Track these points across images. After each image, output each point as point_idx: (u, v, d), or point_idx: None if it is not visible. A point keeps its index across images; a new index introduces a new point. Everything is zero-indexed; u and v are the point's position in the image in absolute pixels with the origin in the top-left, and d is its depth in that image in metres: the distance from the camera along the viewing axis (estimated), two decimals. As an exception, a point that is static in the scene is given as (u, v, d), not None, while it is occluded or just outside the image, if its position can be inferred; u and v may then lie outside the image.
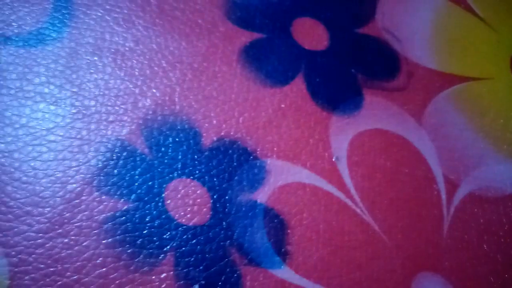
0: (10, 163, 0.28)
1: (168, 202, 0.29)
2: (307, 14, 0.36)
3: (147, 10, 0.34)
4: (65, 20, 0.33)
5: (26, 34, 0.32)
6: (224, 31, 0.34)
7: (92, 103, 0.31)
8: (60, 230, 0.27)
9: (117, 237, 0.28)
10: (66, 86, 0.31)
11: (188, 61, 0.33)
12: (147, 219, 0.28)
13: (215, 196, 0.30)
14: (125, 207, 0.28)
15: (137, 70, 0.32)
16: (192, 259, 0.28)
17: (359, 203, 0.31)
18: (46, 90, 0.31)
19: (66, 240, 0.27)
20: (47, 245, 0.27)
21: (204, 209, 0.29)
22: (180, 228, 0.29)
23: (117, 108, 0.31)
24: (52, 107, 0.30)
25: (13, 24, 0.32)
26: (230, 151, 0.31)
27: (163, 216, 0.29)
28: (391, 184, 0.32)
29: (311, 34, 0.36)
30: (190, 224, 0.29)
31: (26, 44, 0.32)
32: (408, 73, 0.36)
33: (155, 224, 0.28)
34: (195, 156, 0.30)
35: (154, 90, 0.32)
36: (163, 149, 0.30)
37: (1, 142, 0.29)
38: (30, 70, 0.31)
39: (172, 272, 0.27)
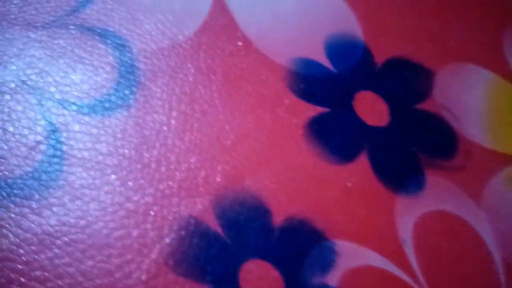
0: (82, 239, 0.27)
1: (243, 284, 0.28)
2: (367, 88, 0.36)
3: (212, 79, 0.34)
4: (132, 88, 0.32)
5: (92, 101, 0.31)
6: (289, 104, 0.34)
7: (163, 176, 0.30)
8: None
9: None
10: (135, 157, 0.30)
11: (256, 135, 0.32)
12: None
13: (288, 280, 0.29)
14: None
15: (206, 142, 0.31)
16: None
17: (425, 287, 0.31)
18: (116, 161, 0.30)
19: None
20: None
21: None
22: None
23: (188, 183, 0.30)
24: (122, 180, 0.29)
25: (79, 90, 0.31)
26: (300, 231, 0.31)
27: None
28: (455, 268, 0.32)
29: (372, 109, 0.36)
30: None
31: (93, 111, 0.31)
32: (466, 152, 0.36)
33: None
34: (267, 236, 0.30)
35: (223, 165, 0.31)
36: (235, 228, 0.30)
37: (71, 217, 0.28)
38: (97, 139, 0.30)
39: None
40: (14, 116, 0.30)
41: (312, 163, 0.33)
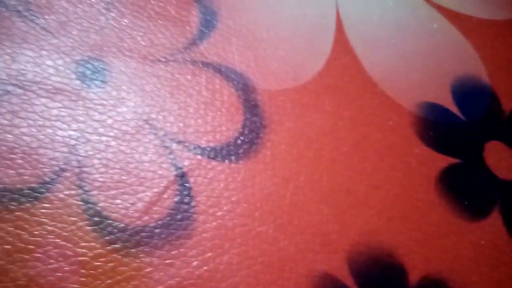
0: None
1: None
2: (496, 137, 0.34)
3: (340, 125, 0.32)
4: (258, 131, 0.30)
5: (218, 145, 0.30)
6: (419, 153, 0.32)
7: (296, 230, 0.28)
8: None
9: None
10: (266, 207, 0.28)
11: (387, 187, 0.30)
12: None
13: None
14: None
15: (337, 193, 0.30)
16: None
17: None
18: (246, 211, 0.28)
19: None
20: None
21: None
22: None
23: (322, 237, 0.28)
24: (254, 232, 0.27)
25: (203, 132, 0.30)
26: (437, 293, 0.28)
27: None
28: None
29: (503, 161, 0.34)
30: None
31: (219, 156, 0.29)
32: None
33: None
34: (403, 298, 0.28)
35: (356, 219, 0.29)
36: (370, 286, 0.27)
37: (205, 269, 0.26)
38: (226, 186, 0.29)
39: None
40: (137, 158, 0.29)
41: (445, 219, 0.31)
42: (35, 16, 0.31)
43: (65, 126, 0.29)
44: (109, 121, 0.29)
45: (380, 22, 0.36)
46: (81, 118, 0.29)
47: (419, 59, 0.36)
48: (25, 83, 0.29)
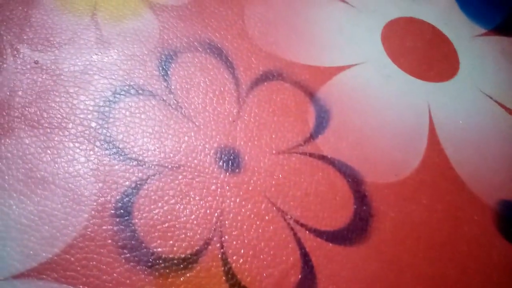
0: None
1: None
2: None
3: (434, 217, 0.38)
4: (367, 220, 0.36)
5: (331, 230, 0.36)
6: (500, 247, 0.38)
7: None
8: None
9: None
10: (374, 286, 0.34)
11: (473, 274, 0.36)
12: None
13: None
14: None
15: (431, 278, 0.35)
16: None
17: None
18: (361, 289, 0.34)
19: None
20: None
21: None
22: None
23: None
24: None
25: (320, 218, 0.36)
26: None
27: None
28: None
29: None
30: None
31: (334, 240, 0.35)
32: None
33: None
34: None
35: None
36: None
37: None
38: (342, 267, 0.34)
39: None
40: (267, 236, 0.35)
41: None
42: (179, 106, 0.38)
43: (207, 204, 0.35)
44: (244, 202, 0.36)
45: (466, 126, 0.43)
46: (221, 199, 0.36)
47: (499, 160, 0.42)
48: (173, 165, 0.36)
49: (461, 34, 0.49)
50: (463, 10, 0.51)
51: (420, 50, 0.47)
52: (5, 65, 0.38)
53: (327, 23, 0.46)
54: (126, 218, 0.33)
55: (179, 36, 0.42)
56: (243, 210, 0.35)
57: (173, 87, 0.40)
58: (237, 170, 0.37)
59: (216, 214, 0.34)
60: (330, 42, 0.45)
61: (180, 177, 0.36)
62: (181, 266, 0.33)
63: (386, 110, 0.41)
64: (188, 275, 0.32)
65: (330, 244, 0.35)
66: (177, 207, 0.34)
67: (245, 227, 0.35)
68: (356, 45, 0.45)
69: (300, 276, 0.34)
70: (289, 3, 0.47)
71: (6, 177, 0.33)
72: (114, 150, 0.36)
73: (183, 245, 0.33)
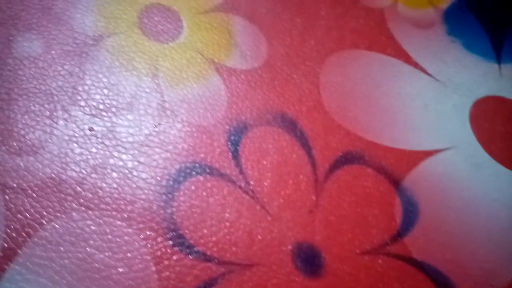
0: None
1: None
2: None
3: None
4: None
5: None
6: None
7: None
8: None
9: None
10: None
11: None
12: None
13: None
14: None
15: None
16: None
17: None
18: None
19: None
20: None
21: None
22: None
23: None
24: None
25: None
26: None
27: None
28: None
29: None
30: None
31: None
32: None
33: None
34: None
35: None
36: None
37: None
38: None
39: None
40: None
41: None
42: (251, 190, 0.33)
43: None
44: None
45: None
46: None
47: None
48: (246, 262, 0.31)
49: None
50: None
51: None
52: (55, 131, 0.33)
53: (410, 98, 0.41)
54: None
55: (249, 106, 0.37)
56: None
57: (243, 166, 0.34)
58: (317, 273, 0.31)
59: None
60: (415, 120, 0.40)
61: (254, 278, 0.30)
62: None
63: (477, 205, 0.36)
64: None
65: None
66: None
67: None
68: (443, 126, 0.40)
69: None
70: (367, 73, 0.42)
71: (58, 268, 0.28)
72: (179, 240, 0.31)
73: None
